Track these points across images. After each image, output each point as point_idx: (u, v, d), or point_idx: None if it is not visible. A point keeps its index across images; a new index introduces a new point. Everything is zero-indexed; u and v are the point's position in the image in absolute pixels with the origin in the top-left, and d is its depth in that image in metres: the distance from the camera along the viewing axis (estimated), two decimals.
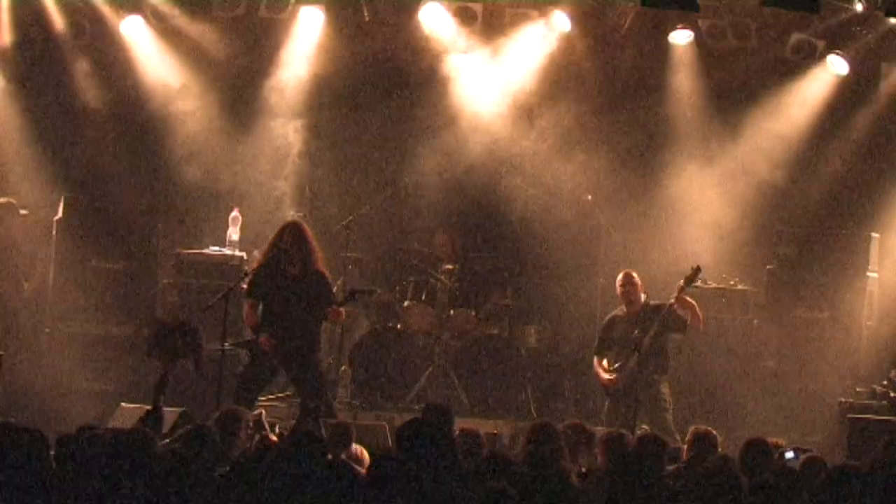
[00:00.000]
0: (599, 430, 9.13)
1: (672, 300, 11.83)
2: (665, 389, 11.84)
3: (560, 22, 13.68)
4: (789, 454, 8.74)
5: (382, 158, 14.36)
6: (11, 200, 13.18)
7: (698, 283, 13.10)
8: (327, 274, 11.51)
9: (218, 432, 7.93)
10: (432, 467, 6.67)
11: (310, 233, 11.47)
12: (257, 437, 8.93)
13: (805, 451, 8.88)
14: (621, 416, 11.63)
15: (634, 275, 12.12)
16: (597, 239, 13.83)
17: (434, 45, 13.96)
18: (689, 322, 11.85)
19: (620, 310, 12.16)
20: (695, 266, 11.97)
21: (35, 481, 6.12)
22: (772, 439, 8.62)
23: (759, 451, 8.08)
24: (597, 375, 12.09)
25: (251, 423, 8.97)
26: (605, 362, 12.01)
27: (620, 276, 12.15)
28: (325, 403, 11.22)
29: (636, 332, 11.85)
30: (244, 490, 6.48)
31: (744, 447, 8.19)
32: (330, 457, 7.18)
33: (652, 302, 12.06)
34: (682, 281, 11.90)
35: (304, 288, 11.24)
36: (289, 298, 11.23)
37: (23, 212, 13.21)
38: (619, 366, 11.85)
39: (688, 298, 11.83)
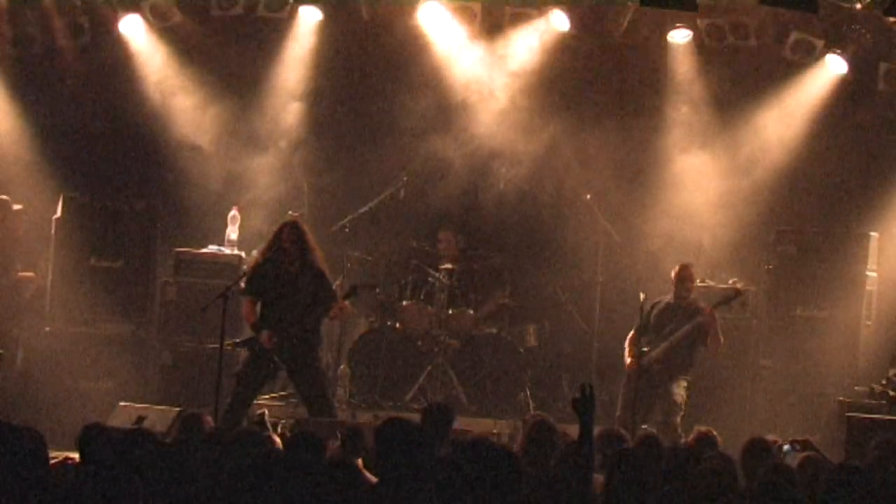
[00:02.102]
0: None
1: (702, 312, 11.93)
2: (680, 391, 11.91)
3: (559, 21, 13.68)
4: (786, 447, 8.75)
5: (381, 157, 14.35)
6: (4, 197, 13.18)
7: (698, 282, 13.14)
8: (327, 272, 11.51)
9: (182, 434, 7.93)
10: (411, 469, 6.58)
11: (308, 231, 11.47)
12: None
13: (802, 442, 8.89)
14: (630, 404, 11.71)
15: (692, 269, 12.23)
16: (596, 238, 13.82)
17: (432, 44, 13.96)
18: (709, 340, 11.95)
19: (668, 297, 12.23)
20: (735, 289, 12.24)
21: (32, 482, 6.11)
22: (770, 437, 8.65)
23: (759, 451, 8.09)
24: (627, 348, 12.17)
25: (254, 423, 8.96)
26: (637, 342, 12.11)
27: (678, 267, 12.22)
28: (325, 402, 11.24)
29: (669, 326, 11.96)
30: (246, 490, 6.47)
31: (744, 446, 8.20)
32: (329, 455, 7.18)
33: (699, 302, 12.17)
34: (718, 298, 12.10)
35: (303, 286, 11.23)
36: (288, 296, 11.22)
37: (16, 207, 13.21)
38: (642, 352, 11.92)
39: (716, 319, 11.93)
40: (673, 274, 12.24)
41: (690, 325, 11.95)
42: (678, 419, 11.78)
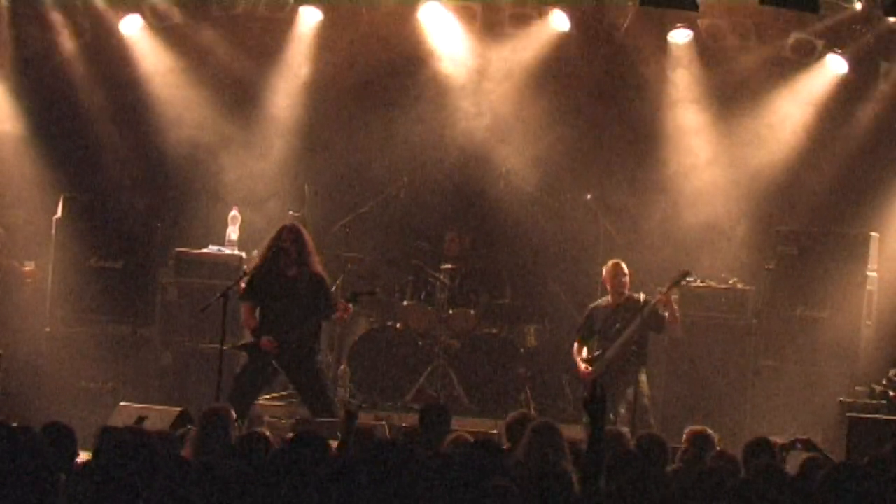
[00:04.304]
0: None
1: (656, 297, 11.92)
2: (643, 377, 11.91)
3: (559, 21, 13.68)
4: (796, 447, 8.75)
5: (381, 157, 14.35)
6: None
7: (698, 282, 13.16)
8: (325, 275, 11.51)
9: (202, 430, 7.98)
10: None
11: (307, 234, 11.47)
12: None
13: (804, 442, 8.88)
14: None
15: (624, 265, 12.20)
16: (597, 238, 13.82)
17: (433, 44, 13.96)
18: (666, 322, 11.93)
19: (605, 300, 12.26)
20: (683, 270, 12.14)
21: (31, 482, 6.11)
22: (772, 438, 8.63)
23: (761, 450, 8.08)
24: (575, 362, 12.17)
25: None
26: (584, 351, 12.12)
27: (610, 265, 12.23)
28: (327, 403, 11.23)
29: (617, 325, 11.93)
30: (246, 490, 6.47)
31: (746, 446, 8.19)
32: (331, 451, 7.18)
33: (636, 295, 12.14)
34: (669, 281, 12.04)
35: (302, 290, 11.23)
36: (288, 302, 11.21)
37: (27, 268, 13.30)
38: (596, 356, 11.94)
39: (671, 299, 11.89)
40: (604, 273, 12.22)
41: (641, 317, 11.85)
42: (645, 400, 11.81)
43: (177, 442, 8.07)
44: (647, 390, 11.95)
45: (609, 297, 12.22)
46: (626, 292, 12.13)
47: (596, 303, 12.39)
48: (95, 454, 6.98)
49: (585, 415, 6.81)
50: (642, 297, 12.13)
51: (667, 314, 11.90)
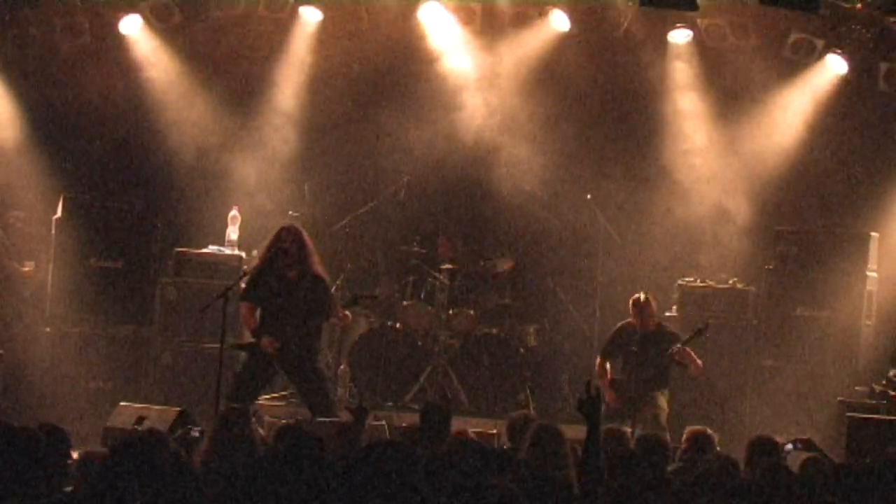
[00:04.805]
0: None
1: (675, 350, 11.83)
2: (662, 401, 11.90)
3: (559, 21, 13.68)
4: (789, 447, 8.76)
5: (381, 158, 14.35)
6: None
7: (697, 282, 13.18)
8: (326, 276, 11.51)
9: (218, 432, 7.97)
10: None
11: (307, 235, 11.47)
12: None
13: (804, 442, 8.89)
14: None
15: (650, 298, 12.13)
16: (596, 238, 13.83)
17: (433, 44, 13.96)
18: (690, 370, 11.95)
19: (633, 319, 12.17)
20: (703, 325, 12.00)
21: (31, 481, 6.11)
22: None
23: (764, 448, 8.08)
24: (598, 379, 12.07)
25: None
26: (608, 366, 12.10)
27: (636, 300, 12.10)
28: (327, 403, 11.23)
29: (641, 354, 11.89)
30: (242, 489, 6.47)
31: (750, 443, 8.19)
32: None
33: (668, 328, 12.13)
34: (687, 336, 11.94)
35: (302, 291, 11.22)
36: (287, 301, 11.19)
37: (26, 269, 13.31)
38: (619, 381, 11.91)
39: (690, 352, 11.85)
40: (631, 305, 12.14)
41: (671, 353, 11.81)
42: (662, 417, 11.79)
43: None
44: (666, 407, 11.91)
45: (638, 323, 12.11)
46: (654, 321, 12.08)
47: (624, 322, 12.26)
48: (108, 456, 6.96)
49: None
50: (673, 330, 12.10)
51: (690, 366, 11.87)
